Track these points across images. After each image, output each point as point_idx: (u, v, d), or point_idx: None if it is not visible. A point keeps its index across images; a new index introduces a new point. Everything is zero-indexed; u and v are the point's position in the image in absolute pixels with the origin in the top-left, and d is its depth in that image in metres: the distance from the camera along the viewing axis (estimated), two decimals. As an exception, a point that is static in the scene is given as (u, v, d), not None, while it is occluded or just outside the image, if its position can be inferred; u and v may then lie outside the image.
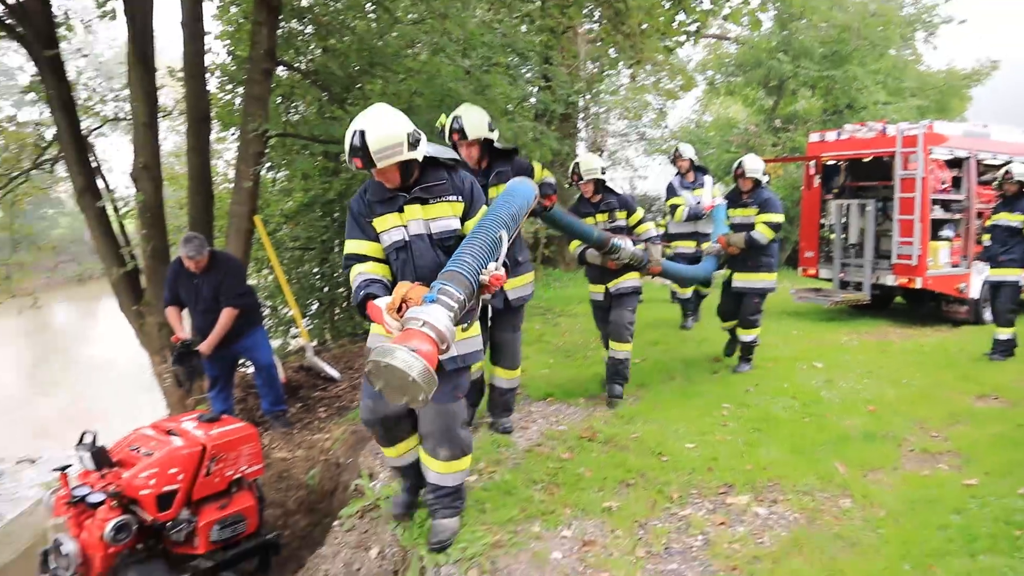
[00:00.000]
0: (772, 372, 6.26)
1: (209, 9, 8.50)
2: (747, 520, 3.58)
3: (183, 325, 5.70)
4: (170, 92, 10.54)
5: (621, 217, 5.40)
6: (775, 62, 16.42)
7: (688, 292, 8.21)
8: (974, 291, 8.71)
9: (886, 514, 3.58)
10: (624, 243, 5.07)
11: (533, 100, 12.67)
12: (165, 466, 3.83)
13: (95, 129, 8.69)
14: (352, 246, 3.13)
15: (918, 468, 4.21)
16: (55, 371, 18.00)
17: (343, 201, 8.65)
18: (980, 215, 8.86)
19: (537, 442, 4.69)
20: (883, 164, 9.02)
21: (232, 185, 7.56)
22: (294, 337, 9.15)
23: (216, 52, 9.33)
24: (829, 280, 9.69)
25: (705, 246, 6.85)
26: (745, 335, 6.28)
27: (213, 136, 8.17)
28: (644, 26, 7.31)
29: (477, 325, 3.24)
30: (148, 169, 6.96)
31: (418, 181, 3.07)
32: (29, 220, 11.64)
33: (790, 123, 17.07)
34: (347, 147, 2.89)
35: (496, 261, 2.73)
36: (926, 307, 9.14)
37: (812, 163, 9.87)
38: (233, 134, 8.81)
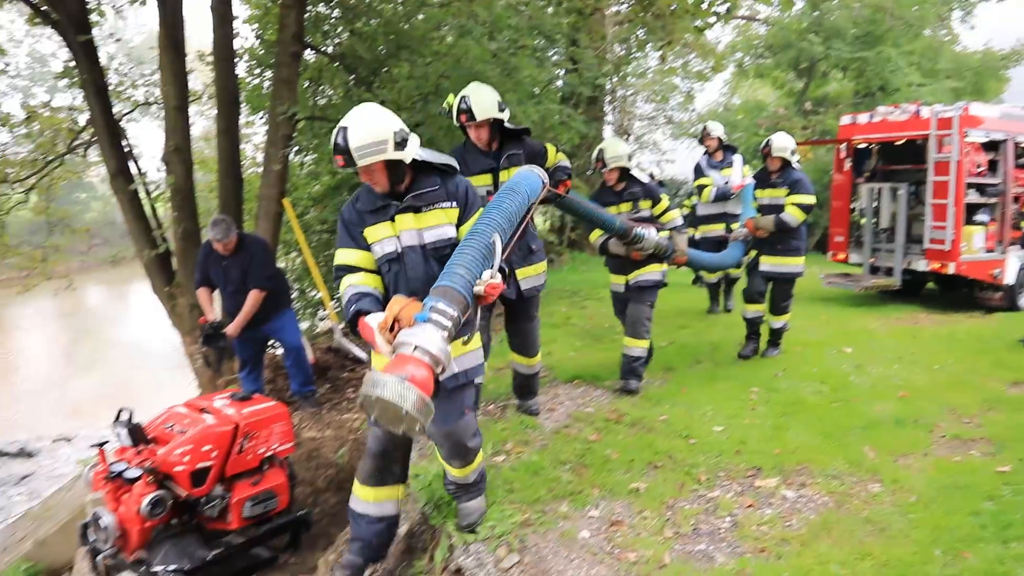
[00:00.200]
0: (801, 357, 6.19)
1: (238, -7, 8.55)
2: (775, 503, 3.57)
3: (213, 307, 5.78)
4: (199, 76, 10.69)
5: (645, 207, 5.13)
6: (806, 43, 16.12)
7: (715, 277, 8.11)
8: (1009, 277, 8.52)
9: (916, 499, 3.54)
10: (648, 232, 4.83)
11: (560, 83, 12.59)
12: (199, 443, 3.93)
13: (127, 113, 8.86)
14: (343, 256, 2.96)
15: (950, 454, 4.15)
16: (89, 352, 18.41)
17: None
18: (1017, 199, 8.67)
19: (564, 424, 4.71)
20: (916, 147, 8.82)
21: (261, 169, 7.64)
22: (322, 319, 9.26)
23: (244, 36, 9.33)
24: (859, 265, 9.54)
25: (734, 227, 6.73)
26: (776, 321, 6.21)
27: (241, 120, 8.25)
28: (673, 6, 7.24)
29: (478, 337, 3.10)
30: (179, 152, 7.09)
31: (410, 188, 2.93)
32: (63, 204, 11.90)
33: (820, 106, 16.77)
34: (332, 146, 2.78)
35: (492, 268, 2.60)
36: (959, 293, 8.96)
37: (843, 146, 9.71)
38: (261, 118, 8.90)
